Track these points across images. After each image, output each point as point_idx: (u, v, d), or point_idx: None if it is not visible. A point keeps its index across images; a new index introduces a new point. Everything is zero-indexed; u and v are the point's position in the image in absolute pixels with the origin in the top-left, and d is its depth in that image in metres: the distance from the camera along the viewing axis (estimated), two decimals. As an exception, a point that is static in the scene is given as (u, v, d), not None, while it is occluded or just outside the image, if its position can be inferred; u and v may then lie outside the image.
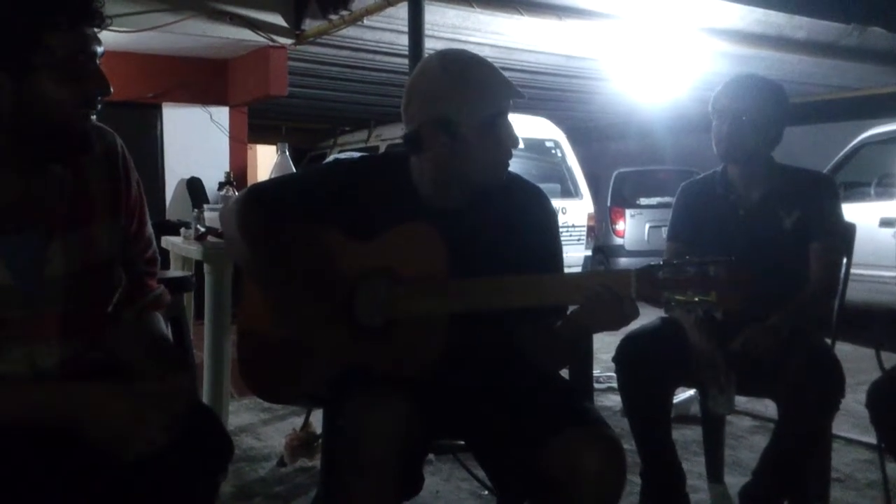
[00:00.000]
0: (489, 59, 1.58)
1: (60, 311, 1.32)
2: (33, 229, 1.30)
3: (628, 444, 1.86)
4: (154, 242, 1.54)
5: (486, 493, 2.55)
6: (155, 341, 1.48)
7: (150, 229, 1.53)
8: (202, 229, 3.10)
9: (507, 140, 1.56)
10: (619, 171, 9.13)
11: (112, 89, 1.29)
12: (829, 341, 2.28)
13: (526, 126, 6.87)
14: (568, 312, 1.56)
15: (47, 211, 1.32)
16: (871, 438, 2.79)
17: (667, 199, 7.57)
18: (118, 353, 1.40)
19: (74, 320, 1.34)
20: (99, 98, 1.28)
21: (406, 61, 4.95)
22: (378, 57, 6.65)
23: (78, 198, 1.35)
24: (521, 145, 1.63)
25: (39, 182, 1.32)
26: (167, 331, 1.57)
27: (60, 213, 1.33)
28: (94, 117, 1.30)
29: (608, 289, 1.41)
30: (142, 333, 1.47)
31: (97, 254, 1.37)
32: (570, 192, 7.21)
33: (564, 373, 1.94)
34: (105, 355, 1.39)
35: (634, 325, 1.79)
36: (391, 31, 5.72)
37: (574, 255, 6.99)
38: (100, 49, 1.28)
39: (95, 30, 1.27)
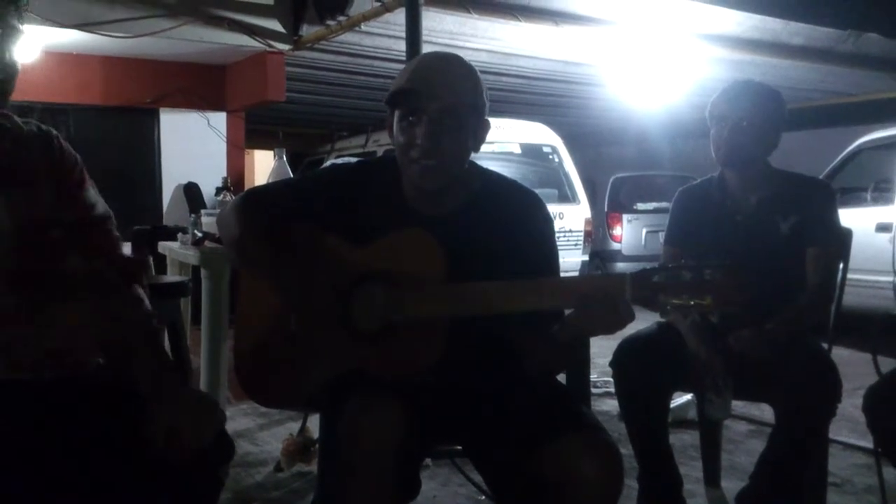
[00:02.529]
0: (485, 65, 1.59)
1: (12, 268, 1.35)
2: None
3: (625, 449, 1.86)
4: (100, 203, 1.52)
5: (483, 497, 2.55)
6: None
7: (92, 193, 1.51)
8: (199, 234, 3.10)
9: (401, 134, 1.55)
10: (617, 177, 9.14)
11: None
12: (825, 346, 2.28)
13: (523, 131, 6.74)
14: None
15: None
16: (868, 443, 2.79)
17: (664, 204, 7.58)
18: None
19: (24, 276, 1.36)
20: None
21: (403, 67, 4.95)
22: (375, 62, 6.65)
23: (16, 162, 1.39)
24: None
25: None
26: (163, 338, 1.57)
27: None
28: None
29: (603, 292, 1.41)
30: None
31: (40, 211, 1.40)
32: (567, 197, 7.22)
33: (562, 377, 1.94)
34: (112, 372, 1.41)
35: (631, 330, 1.79)
36: (388, 36, 5.73)
37: (571, 260, 7.00)
38: None
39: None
